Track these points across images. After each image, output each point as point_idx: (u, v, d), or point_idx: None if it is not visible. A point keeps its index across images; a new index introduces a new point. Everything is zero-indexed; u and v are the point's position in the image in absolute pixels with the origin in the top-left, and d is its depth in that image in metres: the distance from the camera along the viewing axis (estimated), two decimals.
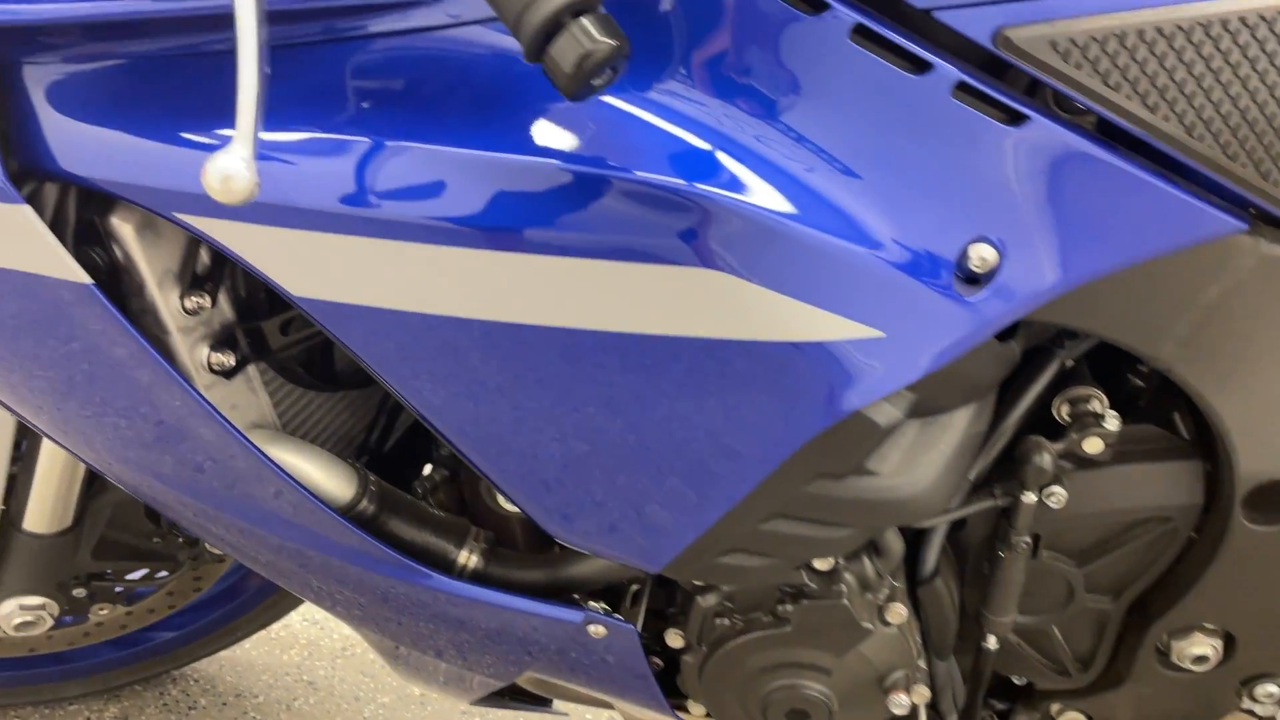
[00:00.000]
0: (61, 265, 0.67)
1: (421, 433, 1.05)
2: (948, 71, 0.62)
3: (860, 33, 0.61)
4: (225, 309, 0.78)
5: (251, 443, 0.77)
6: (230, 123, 0.64)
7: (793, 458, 0.69)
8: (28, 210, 0.65)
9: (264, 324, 0.79)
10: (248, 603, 1.46)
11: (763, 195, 0.62)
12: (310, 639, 1.69)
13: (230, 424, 0.76)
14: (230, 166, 0.54)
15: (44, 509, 1.09)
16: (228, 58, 0.66)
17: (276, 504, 0.81)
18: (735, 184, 0.62)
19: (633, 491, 0.73)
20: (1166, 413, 0.87)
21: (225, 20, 0.64)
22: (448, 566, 0.86)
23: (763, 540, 0.75)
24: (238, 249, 0.67)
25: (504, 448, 0.73)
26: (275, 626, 1.57)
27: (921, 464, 0.73)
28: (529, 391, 0.69)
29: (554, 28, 0.55)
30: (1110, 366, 0.87)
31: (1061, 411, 0.85)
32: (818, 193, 0.63)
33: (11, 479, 1.07)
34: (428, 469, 0.99)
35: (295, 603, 1.47)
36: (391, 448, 1.05)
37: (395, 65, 0.66)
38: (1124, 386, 0.88)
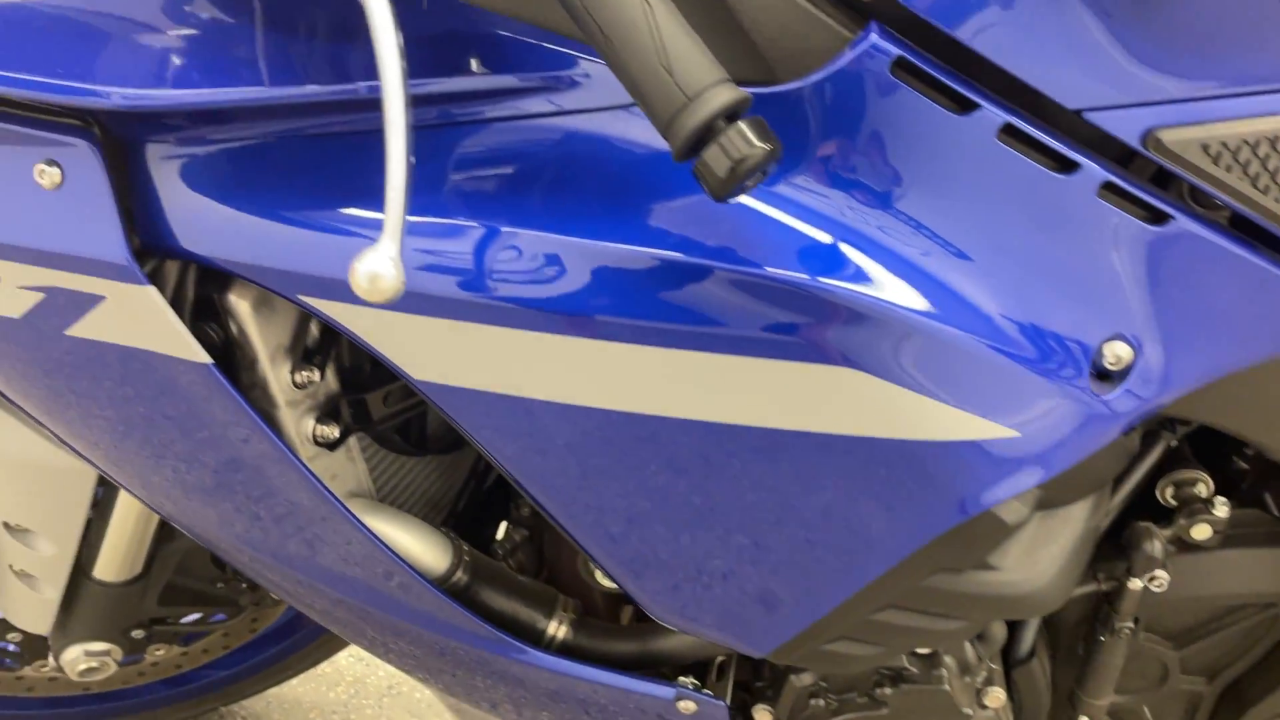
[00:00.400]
0: (182, 345, 0.67)
1: (499, 488, 1.04)
2: (1095, 171, 0.61)
3: (1008, 131, 0.60)
4: (331, 381, 0.78)
5: (353, 515, 0.76)
6: (357, 204, 0.65)
7: (917, 553, 0.68)
8: (153, 292, 0.65)
9: (368, 396, 0.79)
10: (300, 641, 1.45)
11: (900, 293, 0.61)
12: (357, 676, 1.69)
13: (332, 495, 0.75)
14: (378, 266, 0.53)
15: (115, 558, 1.08)
16: (355, 138, 0.66)
17: (368, 572, 0.80)
18: (872, 281, 0.61)
19: (748, 579, 0.71)
20: (1267, 495, 0.86)
21: (356, 104, 0.64)
22: (536, 637, 0.85)
23: (873, 630, 0.74)
24: (361, 333, 0.66)
25: (615, 531, 0.72)
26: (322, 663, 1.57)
27: (1042, 558, 0.71)
28: (650, 480, 0.68)
29: (708, 133, 0.54)
30: (1212, 446, 0.86)
31: (1166, 494, 0.84)
32: (956, 291, 0.62)
33: (85, 526, 1.06)
34: (504, 525, 0.99)
35: (344, 642, 1.46)
36: (467, 502, 1.04)
37: (524, 150, 0.65)
38: (1226, 467, 0.86)
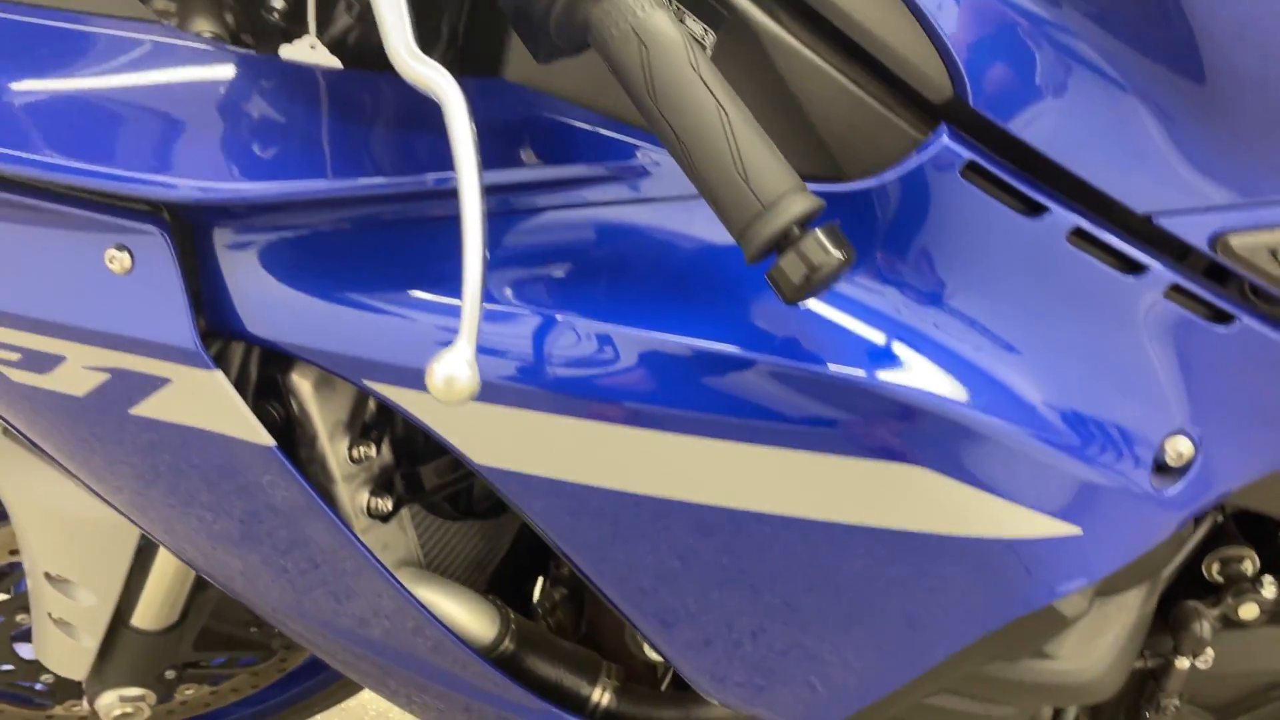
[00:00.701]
0: (246, 427, 0.67)
1: (539, 545, 1.04)
2: (1162, 274, 0.61)
3: (1077, 234, 0.60)
4: (386, 453, 0.78)
5: (404, 587, 0.76)
6: (424, 289, 0.66)
7: (975, 643, 0.68)
8: (219, 377, 0.65)
9: (421, 468, 0.79)
10: (326, 679, 1.46)
11: (962, 392, 0.62)
12: (380, 711, 1.69)
13: (384, 568, 0.75)
14: (454, 368, 0.54)
15: (154, 606, 1.09)
16: (422, 224, 0.66)
17: (413, 640, 0.81)
18: (933, 380, 0.61)
19: (803, 664, 0.72)
20: None
21: (424, 194, 0.64)
22: (580, 705, 0.85)
23: (925, 713, 0.74)
24: (424, 418, 0.67)
25: (671, 614, 0.72)
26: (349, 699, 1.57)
27: (1098, 646, 0.72)
28: (709, 567, 0.68)
29: (783, 241, 0.54)
30: (1256, 520, 0.86)
31: (1212, 570, 0.84)
32: (1019, 389, 0.62)
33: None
34: (541, 580, 0.99)
35: None
36: (507, 559, 1.04)
37: (588, 238, 0.65)
38: (1271, 542, 0.86)
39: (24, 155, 0.59)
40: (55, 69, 0.63)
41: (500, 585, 0.98)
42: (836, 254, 0.53)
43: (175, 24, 0.86)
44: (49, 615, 1.08)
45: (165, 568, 1.06)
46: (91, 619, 1.08)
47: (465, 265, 0.55)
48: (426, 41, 0.59)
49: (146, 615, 1.09)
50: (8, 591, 1.20)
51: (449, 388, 0.54)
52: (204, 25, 0.83)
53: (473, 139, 0.55)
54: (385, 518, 0.78)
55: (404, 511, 0.81)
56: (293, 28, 0.80)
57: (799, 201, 0.53)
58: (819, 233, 0.53)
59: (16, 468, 0.99)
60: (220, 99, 0.64)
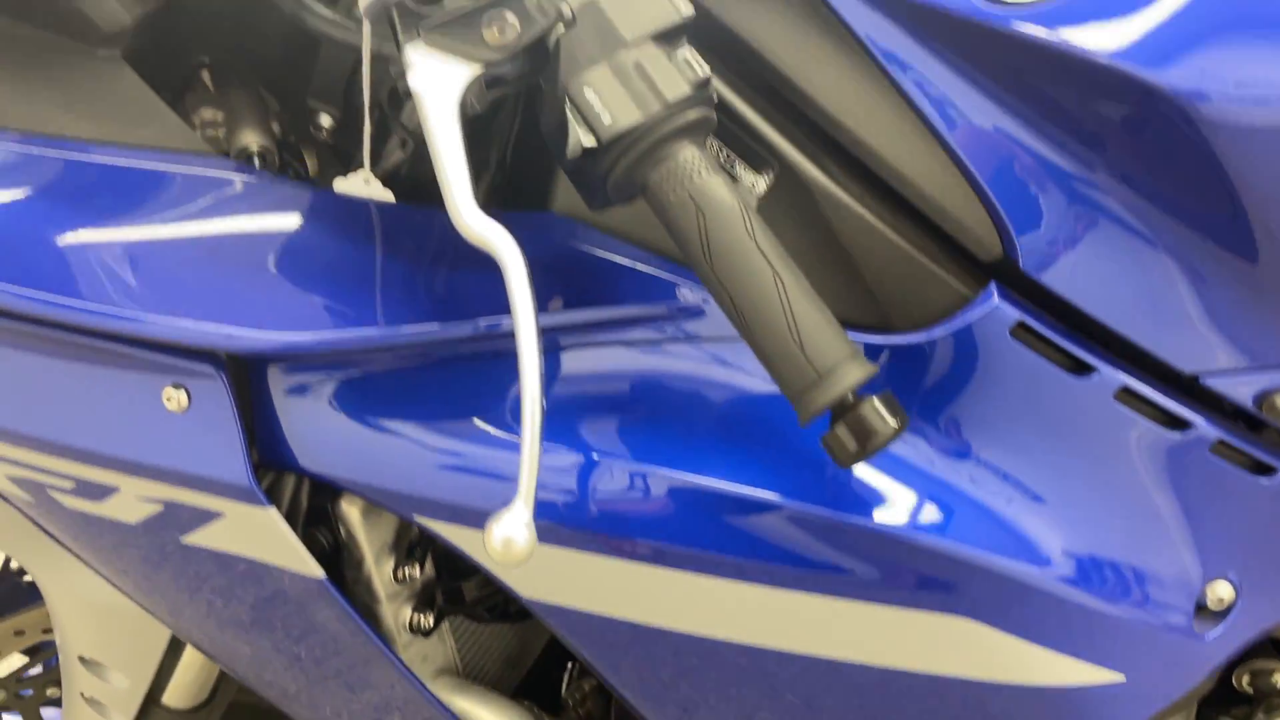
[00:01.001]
0: (297, 560, 0.68)
1: None
2: (1207, 430, 0.62)
3: (1124, 391, 0.61)
4: (429, 569, 0.79)
5: (440, 702, 0.77)
6: (476, 428, 0.66)
7: None
8: (273, 513, 0.66)
9: (464, 583, 0.80)
10: None
11: (1007, 546, 0.62)
12: None
13: (421, 684, 0.76)
14: (513, 530, 0.54)
15: (185, 685, 1.09)
16: (472, 362, 0.67)
17: None
18: (976, 534, 0.62)
19: None
20: None
21: (475, 337, 0.65)
22: None
23: None
24: (474, 554, 0.67)
25: None
26: None
27: None
28: (750, 704, 0.69)
29: (838, 409, 0.55)
30: None
31: (1243, 682, 0.84)
32: (1063, 542, 0.63)
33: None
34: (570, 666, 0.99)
35: None
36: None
37: (638, 378, 0.66)
38: None
39: (87, 306, 0.60)
40: (109, 210, 0.64)
41: (530, 675, 0.99)
42: (892, 423, 0.54)
43: (222, 136, 0.87)
44: (80, 695, 1.09)
45: (198, 650, 1.07)
46: (123, 701, 1.08)
47: (523, 429, 0.56)
48: (474, 170, 0.60)
49: (177, 694, 1.10)
50: (40, 667, 1.21)
51: (507, 549, 0.55)
52: (251, 139, 0.84)
53: (532, 303, 0.56)
54: (427, 633, 0.79)
55: (444, 624, 0.82)
56: (339, 142, 0.81)
57: (854, 370, 0.54)
58: (876, 401, 0.54)
59: (52, 555, 0.99)
60: (276, 238, 0.65)
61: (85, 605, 1.01)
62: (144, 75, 0.72)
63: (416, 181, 0.72)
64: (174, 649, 1.07)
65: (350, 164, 0.89)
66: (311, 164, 0.93)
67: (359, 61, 0.70)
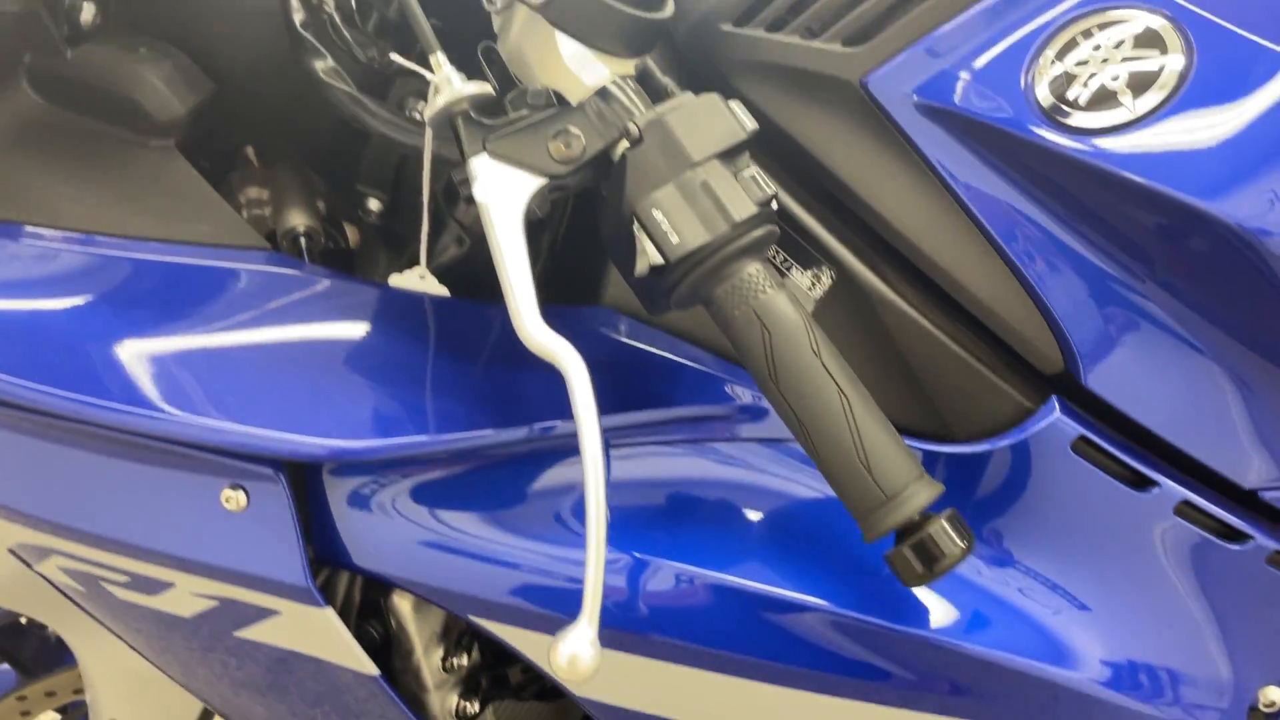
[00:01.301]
0: (351, 657, 0.68)
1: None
2: (1265, 542, 0.62)
3: (1185, 506, 0.61)
4: (475, 657, 0.79)
5: None
6: (531, 529, 0.66)
7: None
8: (330, 613, 0.66)
9: (509, 669, 0.80)
10: None
11: (1061, 656, 0.63)
12: None
13: None
14: (579, 649, 0.55)
15: None
16: (529, 462, 0.67)
17: None
18: (1028, 644, 0.63)
19: None
20: None
21: (530, 440, 0.65)
22: None
23: None
24: (529, 653, 0.67)
25: None
26: None
27: None
28: None
29: (905, 531, 0.55)
30: None
31: None
32: (1114, 652, 0.63)
33: None
34: None
35: None
36: None
37: (689, 480, 0.67)
38: None
39: (151, 414, 0.60)
40: (171, 312, 0.64)
41: None
42: (961, 544, 0.54)
43: (267, 214, 0.88)
44: None
45: None
46: None
47: (588, 550, 0.56)
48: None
49: None
50: None
51: (573, 667, 0.55)
52: (298, 219, 0.85)
53: (598, 422, 0.56)
54: (473, 719, 0.79)
55: (489, 709, 0.82)
56: (387, 225, 0.82)
57: (923, 492, 0.54)
58: (944, 522, 0.54)
59: (88, 627, 0.99)
60: (334, 339, 0.65)
61: (119, 672, 1.01)
62: (189, 153, 0.73)
63: (470, 274, 0.72)
64: (207, 714, 1.07)
65: (396, 244, 0.89)
66: (351, 234, 0.93)
67: (411, 150, 0.71)
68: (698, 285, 0.57)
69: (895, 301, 0.63)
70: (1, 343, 0.60)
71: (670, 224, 0.55)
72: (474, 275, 0.73)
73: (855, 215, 0.64)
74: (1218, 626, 0.64)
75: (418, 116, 0.71)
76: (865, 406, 0.55)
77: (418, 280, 0.70)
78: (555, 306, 0.59)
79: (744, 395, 0.67)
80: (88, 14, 0.73)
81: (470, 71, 0.61)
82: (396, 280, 0.70)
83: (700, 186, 0.56)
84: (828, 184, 0.65)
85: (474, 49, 0.67)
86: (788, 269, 0.66)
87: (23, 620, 1.19)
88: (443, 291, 0.71)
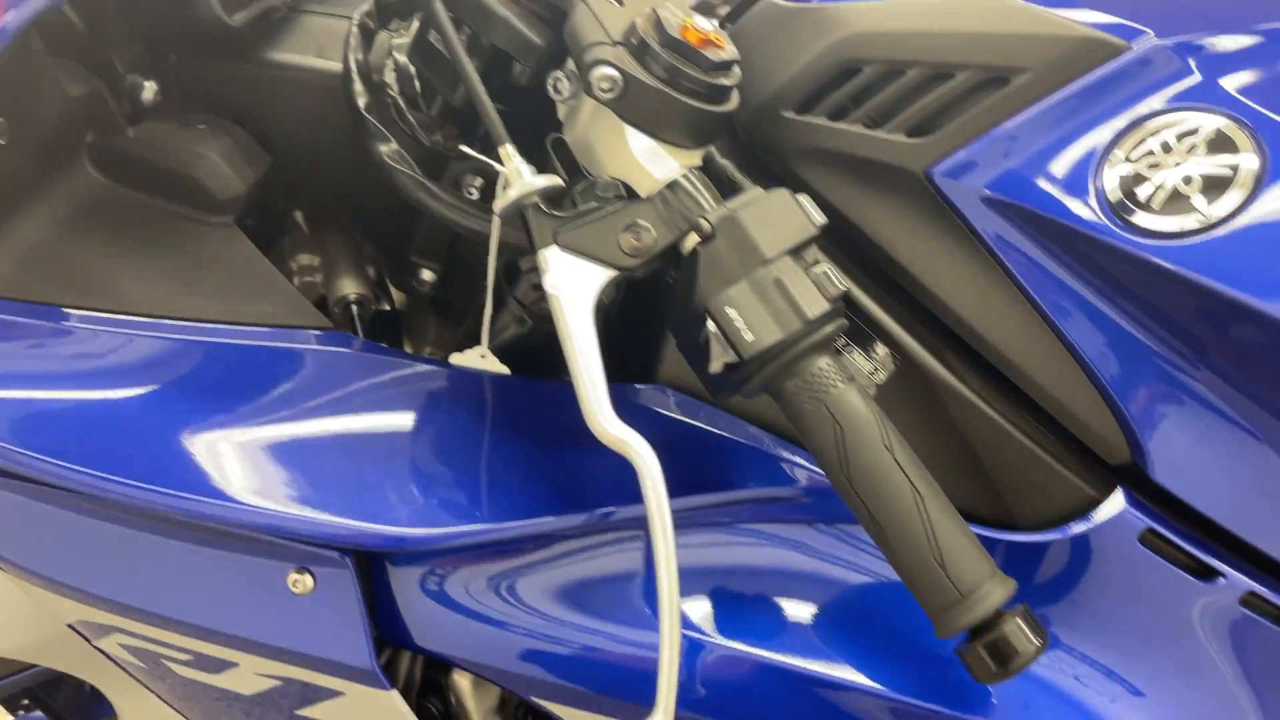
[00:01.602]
0: None
1: None
2: None
3: (1251, 597, 0.62)
4: None
5: None
6: (595, 612, 0.67)
7: None
8: (395, 696, 0.66)
9: None
10: None
11: None
12: None
13: None
14: None
15: None
16: (594, 547, 0.68)
17: None
18: None
19: None
20: None
21: (595, 527, 0.66)
22: None
23: None
24: None
25: None
26: None
27: None
28: None
29: (981, 629, 0.55)
30: None
31: None
32: None
33: None
34: None
35: None
36: None
37: (750, 564, 0.67)
38: None
39: (222, 503, 0.60)
40: (237, 398, 0.64)
41: None
42: (1035, 643, 0.55)
43: (319, 281, 0.88)
44: None
45: None
46: None
47: (662, 644, 0.56)
48: None
49: None
50: None
51: None
52: (350, 287, 0.85)
53: (670, 516, 0.56)
54: None
55: None
56: (440, 295, 0.82)
57: (997, 590, 0.55)
58: (1019, 620, 0.55)
59: (131, 687, 1.00)
60: (398, 424, 0.65)
61: None
62: (240, 219, 0.74)
63: (528, 349, 0.73)
64: None
65: (445, 311, 0.90)
66: (397, 296, 0.94)
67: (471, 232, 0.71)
68: (769, 380, 0.57)
69: (960, 389, 0.64)
70: (75, 434, 0.61)
71: (744, 321, 0.56)
72: (532, 351, 0.73)
73: (918, 302, 0.65)
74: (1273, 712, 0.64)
75: (474, 194, 0.72)
76: (939, 503, 0.56)
77: (479, 359, 0.70)
78: (613, 383, 0.60)
79: (803, 476, 0.67)
80: (149, 92, 0.74)
81: (533, 155, 0.62)
82: (458, 359, 0.71)
83: (773, 284, 0.56)
84: (890, 270, 0.65)
85: (536, 129, 0.67)
86: (849, 352, 0.67)
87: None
88: (503, 370, 0.71)
